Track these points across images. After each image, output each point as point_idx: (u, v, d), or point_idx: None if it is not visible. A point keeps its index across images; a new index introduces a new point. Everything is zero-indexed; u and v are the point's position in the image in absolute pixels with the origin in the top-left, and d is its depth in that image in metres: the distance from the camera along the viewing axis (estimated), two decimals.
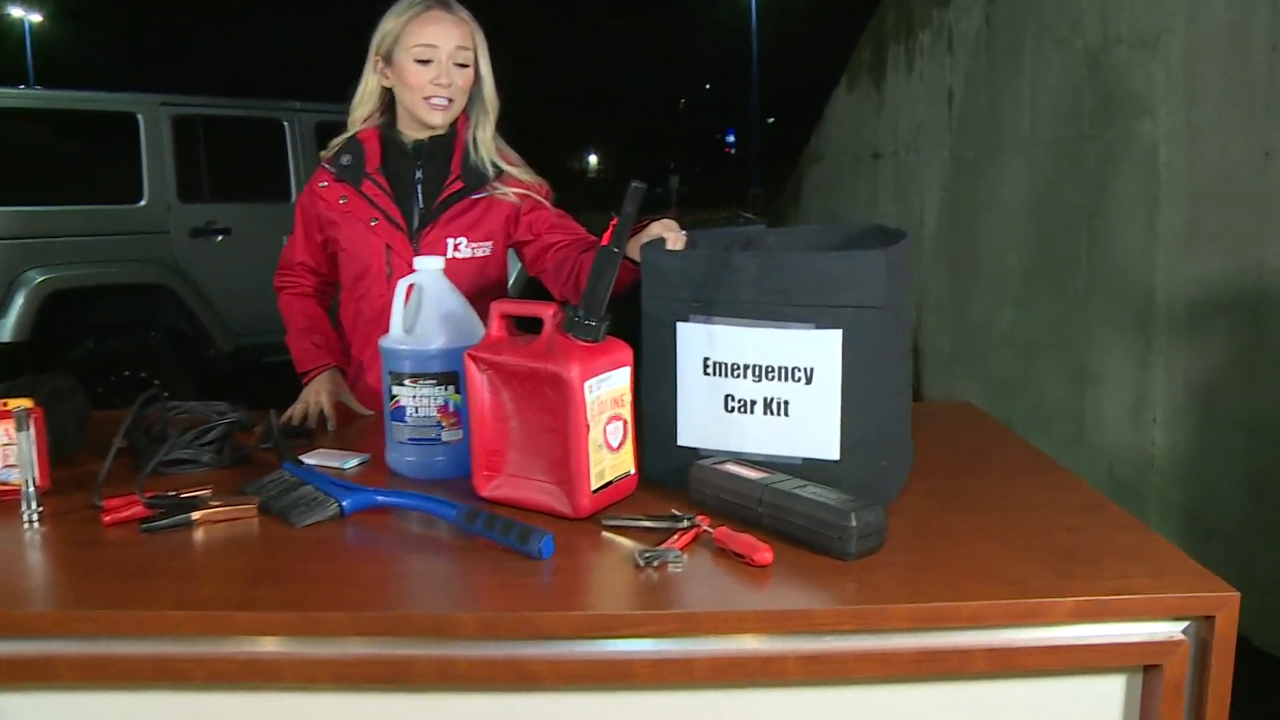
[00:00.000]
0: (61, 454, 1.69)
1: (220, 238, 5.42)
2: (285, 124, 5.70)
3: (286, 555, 1.30)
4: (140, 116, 5.17)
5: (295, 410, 1.93)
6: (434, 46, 1.92)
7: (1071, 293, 4.23)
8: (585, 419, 1.34)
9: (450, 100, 1.96)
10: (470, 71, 1.97)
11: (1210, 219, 3.32)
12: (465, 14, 1.97)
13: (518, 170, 2.06)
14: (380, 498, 1.42)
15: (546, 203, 2.07)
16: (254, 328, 5.36)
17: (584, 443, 1.34)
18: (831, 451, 1.40)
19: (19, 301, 4.77)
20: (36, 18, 30.49)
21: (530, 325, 1.41)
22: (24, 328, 4.77)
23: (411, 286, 1.58)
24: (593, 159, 63.65)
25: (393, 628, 1.13)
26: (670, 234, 1.60)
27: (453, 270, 1.94)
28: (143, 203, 5.20)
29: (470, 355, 1.42)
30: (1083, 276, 4.14)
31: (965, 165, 5.38)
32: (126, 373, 5.14)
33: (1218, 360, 3.30)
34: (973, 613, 1.13)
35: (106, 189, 5.26)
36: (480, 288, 1.96)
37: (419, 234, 2.00)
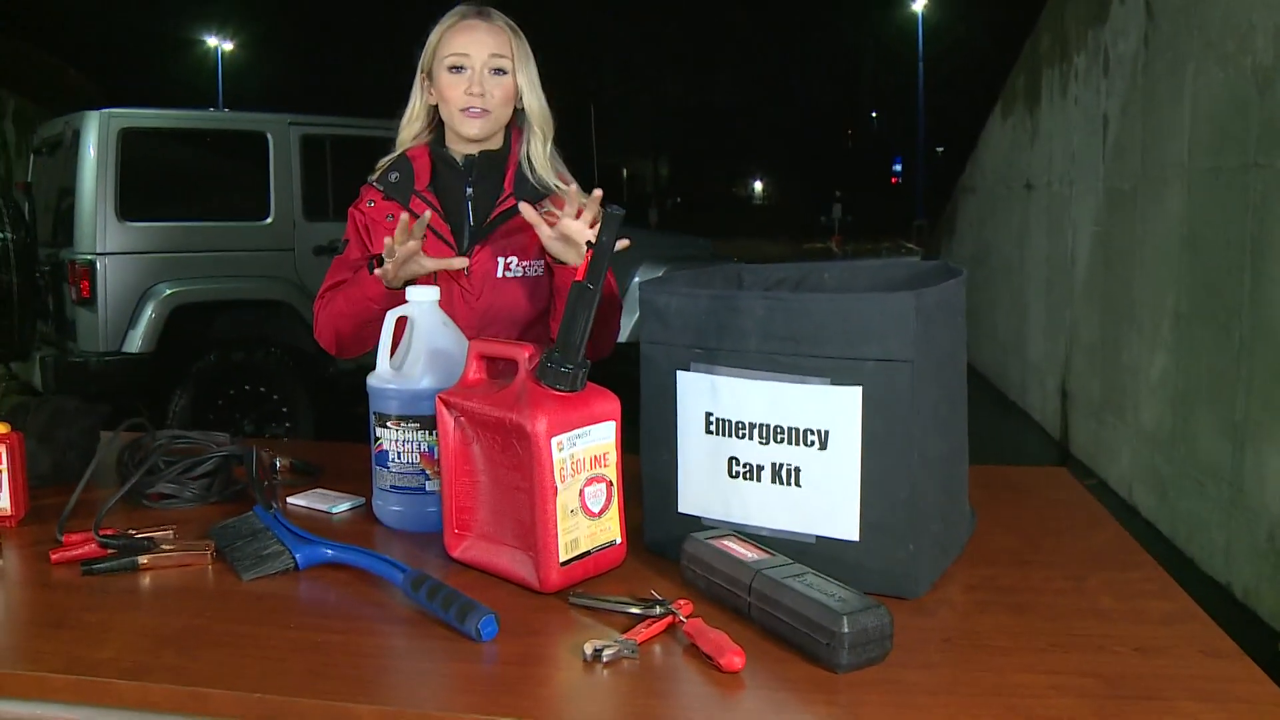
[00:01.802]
0: (60, 480, 1.61)
1: None
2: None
3: (215, 614, 1.17)
4: (270, 136, 5.26)
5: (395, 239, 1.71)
6: (466, 55, 1.83)
7: (1232, 338, 3.80)
8: (552, 480, 1.15)
9: (486, 111, 1.85)
10: (508, 80, 1.85)
11: None
12: (504, 21, 1.87)
13: (574, 191, 1.92)
14: (331, 552, 1.27)
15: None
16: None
17: (551, 507, 1.16)
18: (849, 531, 1.18)
19: (148, 314, 4.89)
20: (229, 45, 32.37)
21: None
22: (151, 340, 4.88)
23: (403, 319, 1.43)
24: (758, 185, 63.35)
25: (282, 715, 0.97)
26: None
27: (503, 290, 1.84)
28: (269, 220, 5.28)
29: (442, 399, 1.26)
30: (1245, 321, 3.71)
31: (1120, 197, 4.97)
32: (246, 387, 5.21)
33: None
34: None
35: (236, 206, 5.37)
36: (531, 309, 1.85)
37: (469, 252, 1.88)
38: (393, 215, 1.90)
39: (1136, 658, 1.05)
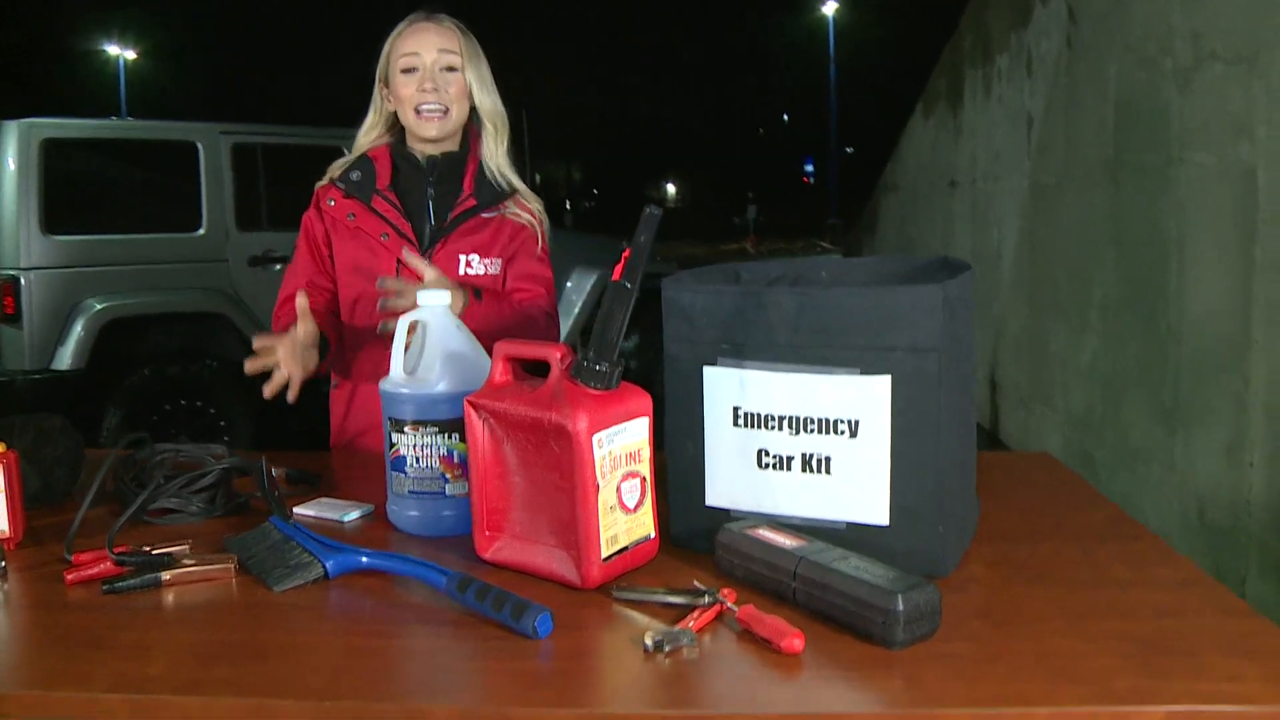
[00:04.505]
0: (49, 499, 1.58)
1: (278, 266, 5.37)
2: (345, 151, 5.65)
3: (255, 625, 1.15)
4: (200, 145, 5.15)
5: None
6: (416, 54, 1.91)
7: (1160, 326, 3.95)
8: (594, 477, 1.17)
9: (444, 109, 1.93)
10: (460, 78, 1.94)
11: None
12: (452, 22, 1.96)
13: (532, 200, 2.04)
14: (366, 559, 1.26)
15: (540, 242, 2.03)
16: None
17: (593, 504, 1.18)
18: (880, 516, 1.22)
19: (78, 329, 4.76)
20: (131, 55, 31.50)
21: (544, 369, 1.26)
22: (81, 356, 4.75)
23: (414, 324, 1.43)
24: (671, 189, 63.64)
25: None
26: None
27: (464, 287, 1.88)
28: (201, 231, 5.17)
29: (470, 402, 1.26)
30: (1172, 308, 3.87)
31: (1046, 192, 5.13)
32: (182, 401, 5.10)
33: None
34: None
35: (166, 218, 5.24)
36: (495, 306, 1.90)
37: (430, 250, 1.94)
38: (354, 214, 1.93)
39: (1161, 620, 1.11)
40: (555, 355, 1.21)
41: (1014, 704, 0.94)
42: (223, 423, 5.16)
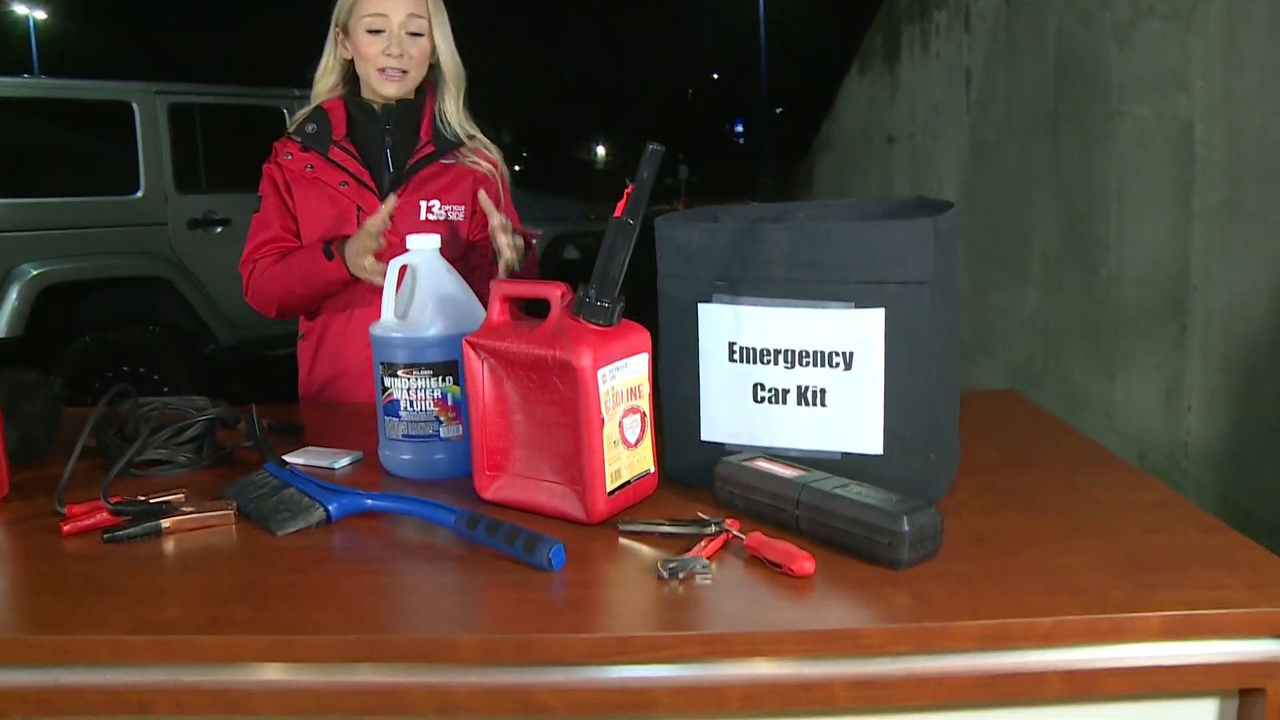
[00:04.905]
0: (27, 457, 1.55)
1: (219, 229, 5.27)
2: (285, 111, 5.56)
3: (264, 568, 1.16)
4: (135, 106, 5.02)
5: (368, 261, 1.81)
6: (384, 16, 1.90)
7: (1100, 277, 4.06)
8: (599, 412, 1.19)
9: (404, 71, 1.93)
10: (425, 42, 1.94)
11: (1251, 197, 3.14)
12: None
13: (491, 149, 2.06)
14: (370, 501, 1.27)
15: (504, 189, 2.04)
16: (256, 321, 5.20)
17: (598, 438, 1.19)
18: (874, 445, 1.25)
19: (12, 296, 4.63)
20: (41, 15, 30.42)
21: (538, 309, 1.27)
22: (18, 323, 4.63)
23: (404, 268, 1.43)
24: (600, 150, 63.29)
25: (381, 652, 0.98)
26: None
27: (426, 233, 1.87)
28: (139, 194, 5.05)
29: (469, 342, 1.27)
30: (1113, 259, 3.97)
31: (985, 147, 5.21)
32: (125, 368, 5.00)
33: (1258, 344, 3.14)
34: (1047, 630, 0.98)
35: (102, 180, 5.11)
36: (453, 251, 1.90)
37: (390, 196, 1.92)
38: (312, 165, 1.92)
39: (1146, 538, 1.16)
40: (555, 293, 1.22)
41: (1019, 615, 0.99)
42: (166, 389, 5.08)
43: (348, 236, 1.86)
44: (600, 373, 1.18)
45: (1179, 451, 3.54)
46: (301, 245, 1.98)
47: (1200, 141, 3.37)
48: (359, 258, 1.79)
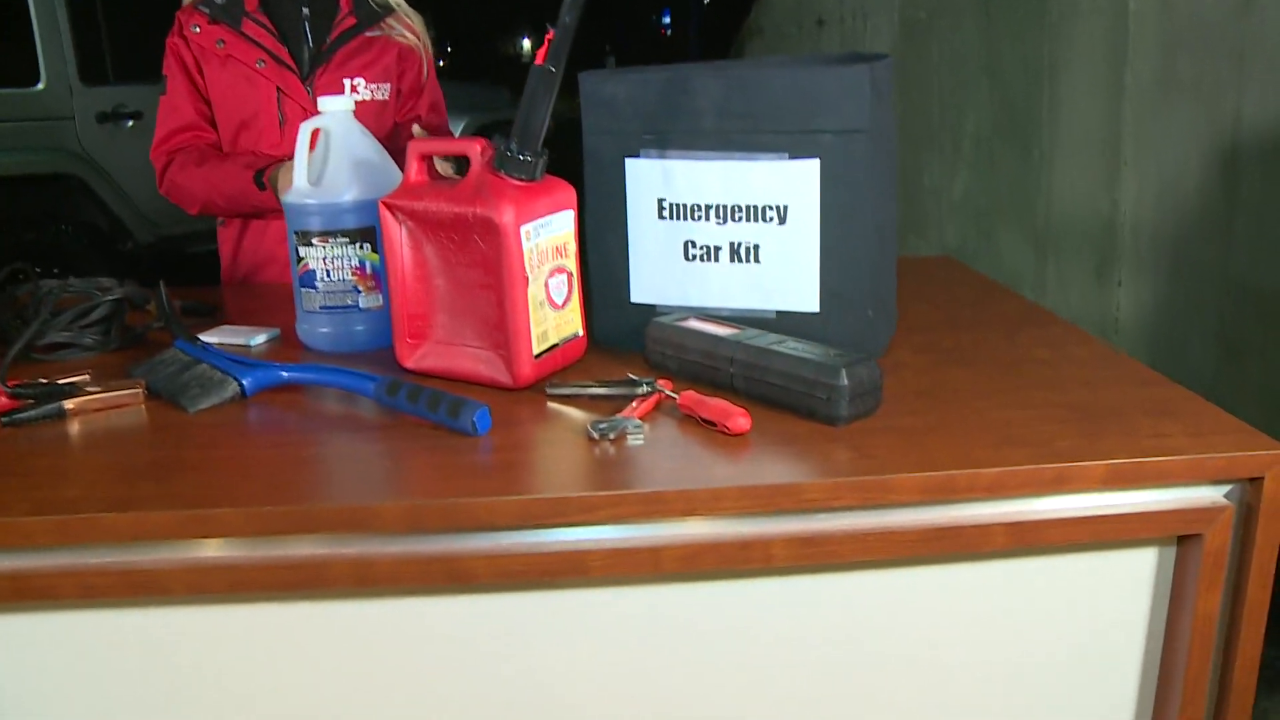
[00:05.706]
0: None
1: (131, 123, 5.02)
2: None
3: (176, 445, 1.09)
4: None
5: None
6: None
7: (1033, 154, 4.05)
8: (523, 270, 1.13)
9: None
10: None
11: (1183, 69, 3.13)
12: None
13: (413, 16, 1.94)
14: (286, 374, 1.21)
15: (427, 62, 1.95)
16: (174, 217, 5.00)
17: (522, 299, 1.14)
18: (810, 302, 1.21)
19: None
20: None
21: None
22: None
23: (317, 131, 1.34)
24: (526, 44, 61.74)
25: (299, 524, 0.93)
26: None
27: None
28: (40, 86, 4.78)
29: (385, 204, 1.20)
30: (1045, 137, 3.95)
31: (917, 27, 5.13)
32: (38, 270, 4.79)
33: (1188, 217, 3.15)
34: (992, 481, 0.96)
35: None
36: (378, 130, 1.80)
37: (312, 76, 1.84)
38: (224, 40, 1.79)
39: (1089, 389, 1.15)
40: (475, 149, 1.15)
41: (964, 466, 0.96)
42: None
43: (277, 162, 1.74)
44: (524, 229, 1.12)
45: (1110, 327, 3.58)
46: (218, 134, 1.86)
47: (1133, 15, 3.33)
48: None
